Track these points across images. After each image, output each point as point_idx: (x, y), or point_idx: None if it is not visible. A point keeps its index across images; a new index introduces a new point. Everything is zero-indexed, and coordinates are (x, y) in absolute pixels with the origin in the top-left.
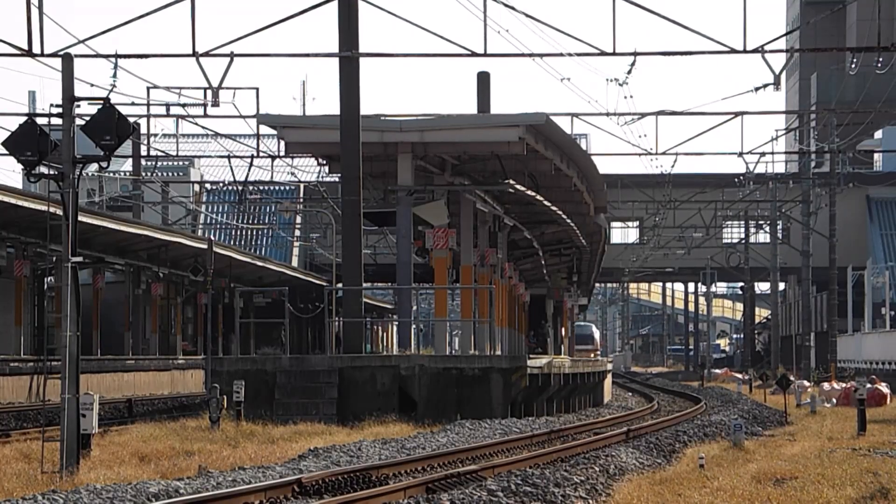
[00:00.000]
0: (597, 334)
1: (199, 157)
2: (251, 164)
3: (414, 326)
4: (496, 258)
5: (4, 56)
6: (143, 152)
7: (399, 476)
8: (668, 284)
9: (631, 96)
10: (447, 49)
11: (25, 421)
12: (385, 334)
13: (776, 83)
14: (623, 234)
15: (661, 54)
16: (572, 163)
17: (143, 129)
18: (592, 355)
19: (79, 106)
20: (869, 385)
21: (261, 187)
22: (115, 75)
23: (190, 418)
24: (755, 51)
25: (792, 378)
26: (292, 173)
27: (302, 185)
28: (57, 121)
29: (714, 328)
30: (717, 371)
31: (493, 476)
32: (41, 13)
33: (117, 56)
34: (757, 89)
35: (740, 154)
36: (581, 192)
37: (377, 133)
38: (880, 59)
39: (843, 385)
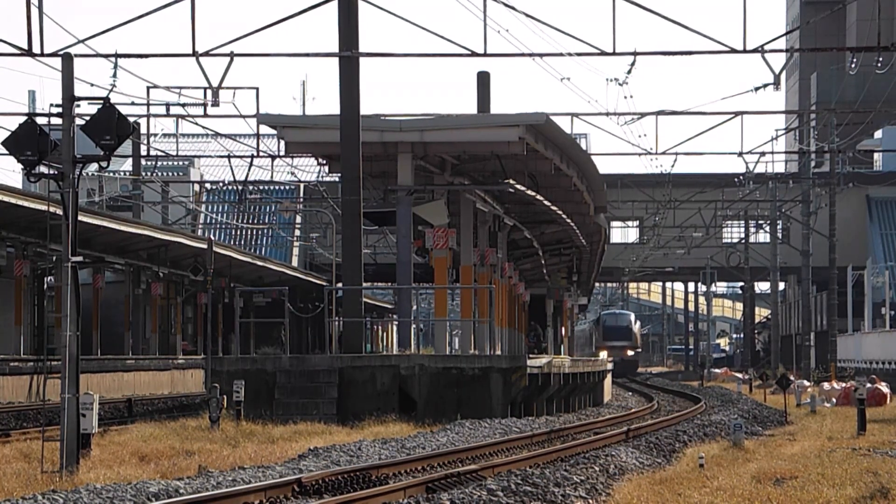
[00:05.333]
0: (636, 327)
1: (199, 156)
2: (251, 164)
3: (414, 326)
4: (496, 258)
5: (4, 56)
6: (143, 152)
7: (399, 476)
8: (668, 284)
9: (631, 96)
10: (447, 49)
11: (25, 421)
12: (385, 334)
13: (776, 83)
14: (623, 233)
15: (661, 54)
16: (572, 163)
17: (143, 129)
18: (630, 353)
19: (79, 106)
20: (869, 385)
21: (261, 187)
22: (115, 75)
23: (190, 418)
24: (755, 51)
25: (792, 378)
26: (292, 173)
27: (302, 185)
28: (57, 120)
29: (714, 328)
30: (717, 371)
31: (492, 476)
32: (41, 13)
33: (117, 56)
34: (757, 89)
35: (740, 154)
36: (581, 191)
37: (377, 133)
38: (880, 59)
39: (843, 385)
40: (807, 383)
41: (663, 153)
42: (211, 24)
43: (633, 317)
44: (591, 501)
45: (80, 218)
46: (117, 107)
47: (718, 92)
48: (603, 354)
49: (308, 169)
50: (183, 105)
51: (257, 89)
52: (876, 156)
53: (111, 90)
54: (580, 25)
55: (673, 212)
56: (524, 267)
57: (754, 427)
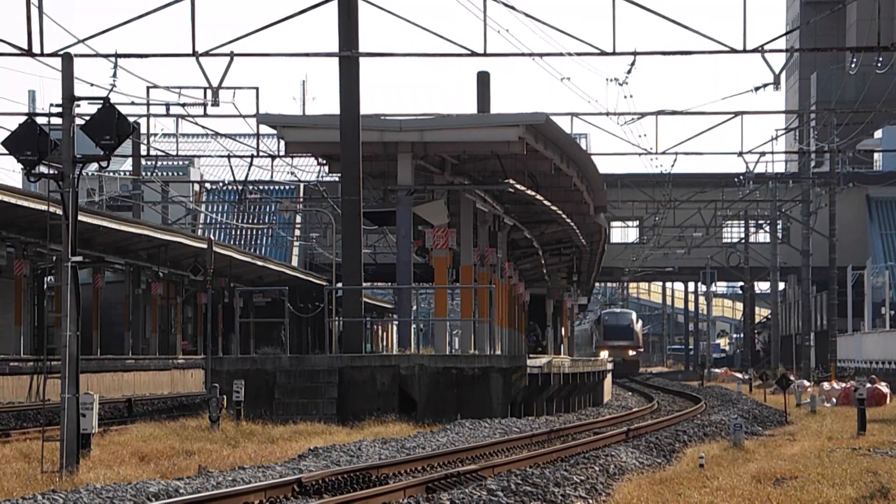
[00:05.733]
0: (638, 326)
1: (199, 156)
2: (251, 164)
3: (414, 326)
4: (496, 258)
5: (4, 56)
6: (143, 152)
7: (399, 476)
8: (668, 284)
9: (631, 96)
10: (447, 49)
11: (25, 421)
12: (385, 334)
13: (776, 83)
14: (623, 233)
15: (661, 54)
16: (572, 162)
17: (143, 129)
18: (632, 353)
19: (79, 105)
20: (869, 385)
21: (261, 187)
22: (115, 75)
23: (190, 418)
24: (755, 50)
25: (792, 378)
26: (292, 173)
27: (302, 185)
28: (57, 120)
29: (714, 328)
30: (717, 371)
31: (492, 476)
32: (41, 13)
33: (117, 56)
34: (757, 89)
35: (740, 154)
36: (581, 191)
37: (377, 133)
38: (880, 59)
39: (843, 385)
40: (807, 383)
41: (663, 153)
42: (211, 24)
43: (634, 316)
44: (591, 501)
45: (80, 218)
46: (117, 107)
47: (718, 92)
48: (604, 354)
49: (308, 169)
50: (183, 105)
51: (257, 89)
52: (876, 156)
53: (111, 90)
54: (580, 25)
55: (673, 212)
56: (524, 267)
57: (754, 427)
